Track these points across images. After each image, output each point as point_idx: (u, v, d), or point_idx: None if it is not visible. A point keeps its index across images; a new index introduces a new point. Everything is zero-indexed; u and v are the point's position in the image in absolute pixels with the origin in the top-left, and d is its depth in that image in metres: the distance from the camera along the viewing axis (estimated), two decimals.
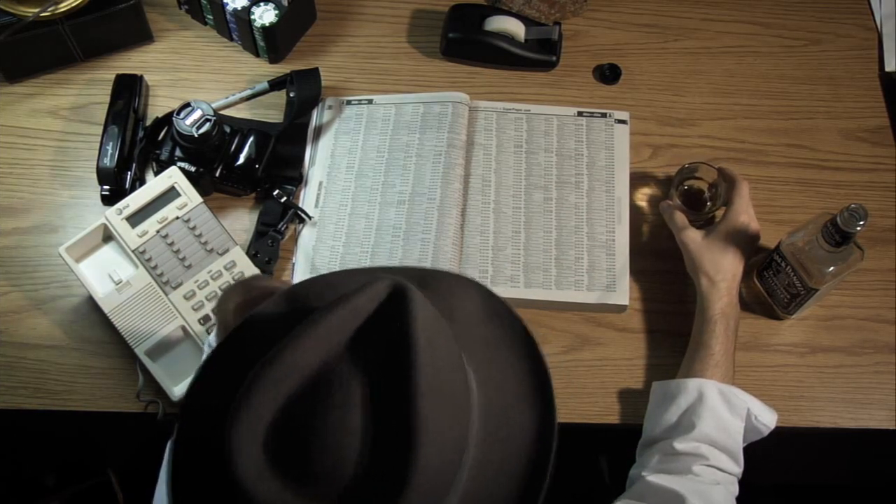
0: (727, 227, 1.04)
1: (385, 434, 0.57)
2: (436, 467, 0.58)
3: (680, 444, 0.93)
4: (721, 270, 1.02)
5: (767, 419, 0.97)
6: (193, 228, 1.03)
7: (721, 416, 0.95)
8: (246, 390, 0.58)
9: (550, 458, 0.65)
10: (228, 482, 0.56)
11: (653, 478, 0.91)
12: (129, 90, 1.14)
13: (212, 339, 0.94)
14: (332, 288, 0.68)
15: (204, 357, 0.74)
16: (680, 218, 1.07)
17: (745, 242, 1.04)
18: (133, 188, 1.09)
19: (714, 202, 1.10)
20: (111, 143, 1.10)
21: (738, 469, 0.95)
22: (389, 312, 0.61)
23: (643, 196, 1.15)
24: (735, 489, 0.94)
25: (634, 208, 1.14)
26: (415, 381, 0.57)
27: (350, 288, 0.63)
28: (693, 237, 1.05)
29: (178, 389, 0.99)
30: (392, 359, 0.59)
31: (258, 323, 0.67)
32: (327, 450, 0.56)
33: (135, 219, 1.02)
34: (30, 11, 1.09)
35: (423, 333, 0.59)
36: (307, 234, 1.11)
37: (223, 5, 1.18)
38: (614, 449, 1.00)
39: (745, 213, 1.05)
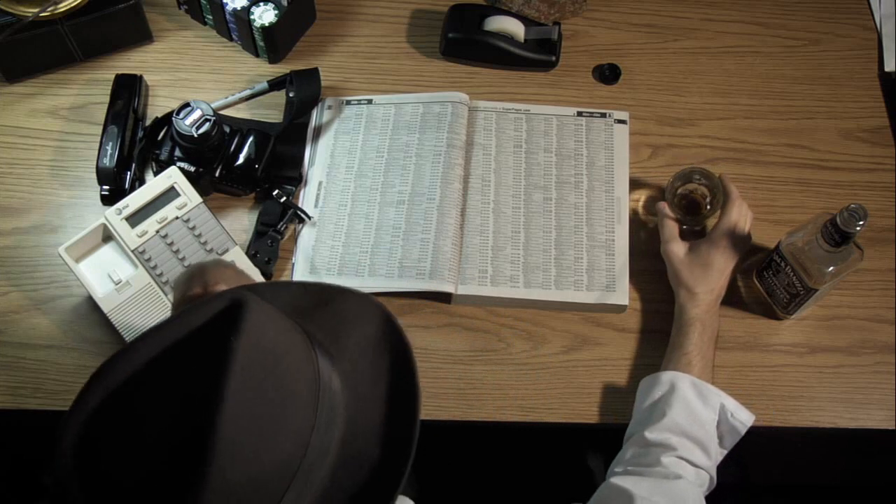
0: (711, 245, 1.04)
1: (180, 449, 0.57)
2: (235, 485, 0.57)
3: (650, 434, 0.94)
4: (701, 284, 1.02)
5: (744, 417, 0.98)
6: (193, 228, 1.03)
7: (693, 407, 0.95)
8: (82, 391, 0.60)
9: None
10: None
11: (616, 479, 0.92)
12: (128, 90, 1.14)
13: None
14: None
15: None
16: (669, 228, 1.07)
17: (730, 259, 1.04)
18: (133, 188, 1.09)
19: (713, 207, 1.10)
20: (111, 143, 1.10)
21: (708, 462, 0.95)
22: (218, 327, 0.61)
23: (643, 196, 1.15)
24: (703, 482, 0.94)
25: (634, 208, 1.14)
26: (220, 400, 0.57)
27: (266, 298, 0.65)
28: (676, 252, 1.05)
29: None
30: (206, 374, 0.58)
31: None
32: (122, 457, 0.58)
33: (134, 219, 1.02)
34: (30, 11, 1.09)
35: (246, 350, 0.59)
36: (307, 234, 1.11)
37: (223, 5, 1.18)
38: (613, 449, 1.00)
39: (733, 230, 1.04)
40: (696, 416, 0.95)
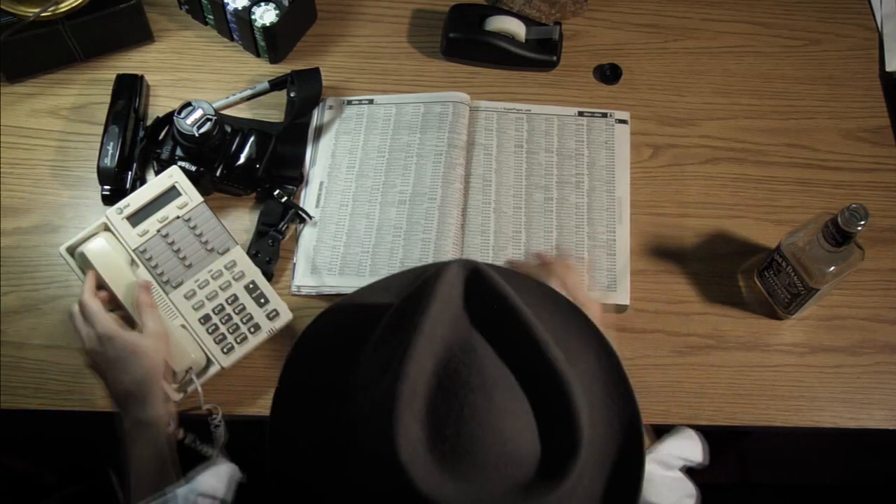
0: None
1: (543, 412, 0.58)
2: (591, 454, 0.58)
3: None
4: None
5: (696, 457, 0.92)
6: (194, 228, 1.03)
7: (670, 487, 0.89)
8: (389, 403, 0.57)
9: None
10: (406, 495, 0.55)
11: None
12: (129, 90, 1.15)
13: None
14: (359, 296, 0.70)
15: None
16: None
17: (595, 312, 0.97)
18: (134, 188, 1.09)
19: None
20: (112, 143, 1.10)
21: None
22: (479, 291, 0.61)
23: (644, 196, 1.15)
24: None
25: (635, 208, 1.14)
26: (550, 353, 0.58)
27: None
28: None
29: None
30: (510, 333, 0.59)
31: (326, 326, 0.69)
32: (491, 437, 0.56)
33: (135, 218, 1.02)
34: (30, 11, 1.09)
35: (522, 303, 0.60)
36: (308, 234, 1.11)
37: (224, 5, 1.18)
38: None
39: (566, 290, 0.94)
40: (672, 487, 0.89)
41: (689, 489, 0.90)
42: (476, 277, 0.62)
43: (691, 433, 0.92)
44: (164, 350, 0.95)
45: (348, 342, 0.65)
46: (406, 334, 0.59)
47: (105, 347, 0.92)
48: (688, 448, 0.92)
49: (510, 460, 0.56)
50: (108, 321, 0.93)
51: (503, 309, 0.60)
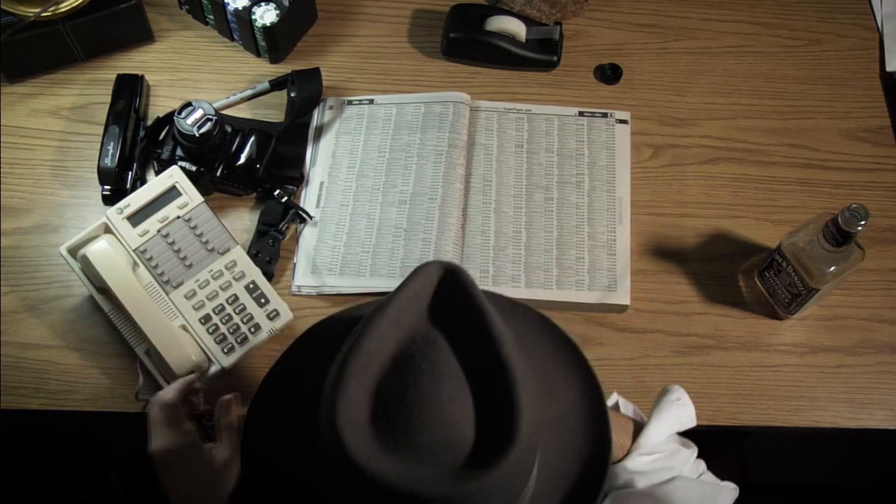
0: None
1: (486, 404, 0.60)
2: (529, 449, 0.60)
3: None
4: None
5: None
6: (194, 228, 1.03)
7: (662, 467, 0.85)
8: (339, 372, 0.60)
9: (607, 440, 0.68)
10: (340, 461, 0.58)
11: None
12: (129, 90, 1.15)
13: None
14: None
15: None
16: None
17: None
18: (134, 188, 1.09)
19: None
20: (112, 143, 1.10)
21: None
22: (450, 289, 0.64)
23: (644, 196, 1.15)
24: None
25: (635, 208, 1.14)
26: (503, 350, 0.60)
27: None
28: None
29: None
30: (472, 331, 0.62)
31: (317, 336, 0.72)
32: (431, 420, 0.59)
33: (136, 218, 1.02)
34: (30, 11, 1.09)
35: (490, 307, 0.63)
36: (308, 234, 1.11)
37: (224, 5, 1.18)
38: None
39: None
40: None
41: (683, 455, 0.86)
42: (451, 276, 0.64)
43: (678, 397, 0.87)
44: (231, 475, 0.90)
45: (339, 340, 0.68)
46: (371, 317, 0.63)
47: (183, 459, 0.88)
48: (676, 421, 0.87)
49: (446, 446, 0.59)
50: (196, 441, 0.89)
51: (470, 308, 0.63)
